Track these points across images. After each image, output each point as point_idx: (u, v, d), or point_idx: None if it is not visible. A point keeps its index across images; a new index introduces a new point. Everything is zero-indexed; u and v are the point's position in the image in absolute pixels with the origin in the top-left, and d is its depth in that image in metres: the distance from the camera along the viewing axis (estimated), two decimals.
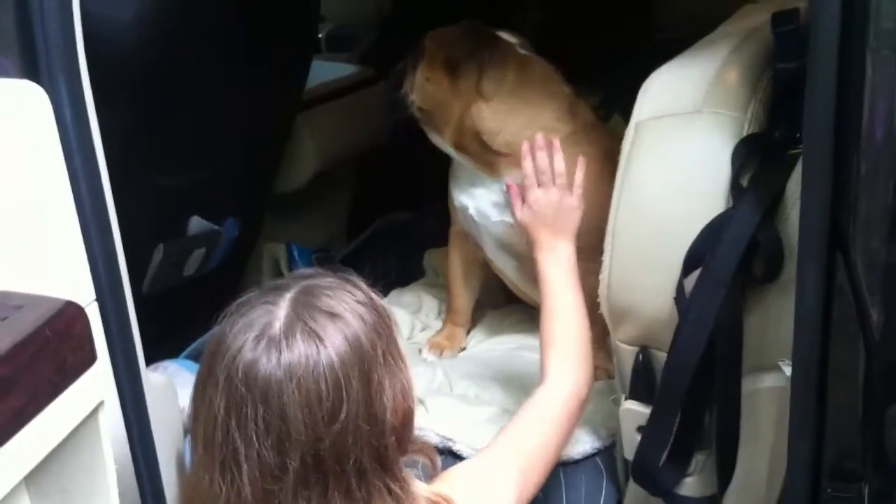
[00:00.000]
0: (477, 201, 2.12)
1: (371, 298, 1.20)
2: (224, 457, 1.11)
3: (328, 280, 1.20)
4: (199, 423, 1.15)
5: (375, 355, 1.14)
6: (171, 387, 1.70)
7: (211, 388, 1.13)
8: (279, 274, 2.60)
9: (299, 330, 1.11)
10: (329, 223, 2.91)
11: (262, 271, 2.60)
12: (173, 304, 2.11)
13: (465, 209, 2.16)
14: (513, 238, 2.05)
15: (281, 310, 1.14)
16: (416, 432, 1.28)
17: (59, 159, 1.32)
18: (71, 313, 1.13)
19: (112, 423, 1.31)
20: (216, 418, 1.11)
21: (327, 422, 1.10)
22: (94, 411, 1.16)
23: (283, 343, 1.10)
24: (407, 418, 1.20)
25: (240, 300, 1.19)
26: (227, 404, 1.11)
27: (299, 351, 1.10)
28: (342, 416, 1.10)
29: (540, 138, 1.83)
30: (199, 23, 1.88)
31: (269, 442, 1.10)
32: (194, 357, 2.05)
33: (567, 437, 1.49)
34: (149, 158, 1.88)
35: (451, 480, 1.33)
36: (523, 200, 1.79)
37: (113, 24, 1.69)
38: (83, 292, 1.33)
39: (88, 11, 1.37)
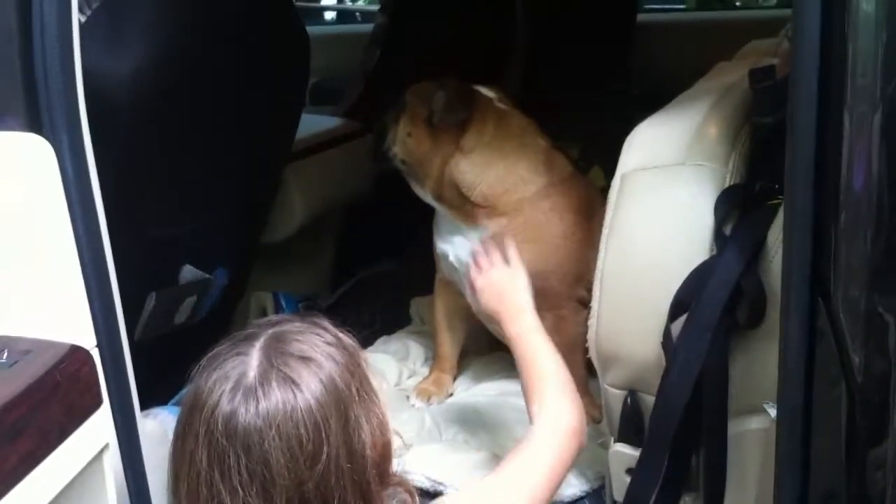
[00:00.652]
0: (456, 249, 2.17)
1: (339, 338, 1.22)
2: None
3: (296, 325, 1.22)
4: (182, 479, 1.16)
5: (350, 394, 1.16)
6: (164, 434, 1.72)
7: (191, 443, 1.14)
8: None
9: (274, 377, 1.13)
10: (314, 272, 2.93)
11: (250, 320, 2.62)
12: (163, 351, 2.12)
13: (445, 256, 2.20)
14: None
15: (254, 359, 1.15)
16: (406, 475, 1.31)
17: (62, 208, 1.35)
18: (79, 357, 1.16)
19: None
20: (199, 473, 1.12)
21: (310, 465, 1.12)
22: (100, 454, 1.18)
23: (260, 391, 1.12)
24: (385, 451, 1.22)
25: (211, 353, 1.20)
26: (209, 457, 1.12)
27: (276, 398, 1.12)
28: (323, 457, 1.12)
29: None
30: (193, 78, 1.92)
31: (254, 490, 1.11)
32: None
33: (565, 472, 1.44)
34: (142, 209, 1.91)
35: None
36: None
37: (110, 79, 1.73)
38: (85, 338, 1.36)
39: (86, 67, 1.41)
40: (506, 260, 1.74)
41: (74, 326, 1.34)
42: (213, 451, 1.12)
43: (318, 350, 1.17)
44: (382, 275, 3.01)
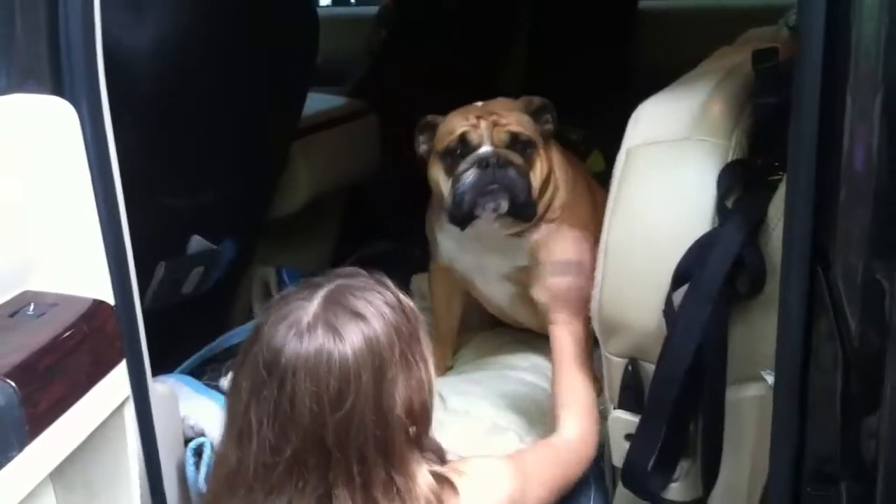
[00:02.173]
0: (489, 261, 2.12)
1: (399, 300, 1.29)
2: (241, 429, 1.22)
3: (361, 281, 1.29)
4: (232, 399, 1.26)
5: (392, 354, 1.22)
6: (174, 397, 1.76)
7: (243, 369, 1.23)
8: (269, 297, 2.65)
9: (321, 324, 1.20)
10: (317, 249, 2.96)
11: (253, 294, 2.65)
12: (171, 321, 2.16)
13: (465, 261, 2.17)
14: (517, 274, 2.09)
15: (312, 305, 1.23)
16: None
17: (84, 170, 1.38)
18: (104, 311, 1.20)
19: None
20: (241, 396, 1.22)
21: (332, 410, 1.18)
22: (122, 405, 1.22)
23: (306, 335, 1.20)
24: (423, 414, 1.27)
25: (283, 293, 1.29)
26: (251, 385, 1.21)
27: (317, 342, 1.19)
28: (347, 405, 1.18)
29: None
30: (209, 52, 1.95)
31: (276, 424, 1.19)
32: (191, 372, 2.11)
33: (569, 478, 1.61)
34: (155, 180, 1.94)
35: (464, 463, 1.42)
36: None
37: (130, 51, 1.76)
38: (105, 298, 1.39)
39: (109, 39, 1.44)
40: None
41: (94, 285, 1.38)
42: (255, 380, 1.21)
43: (372, 308, 1.24)
44: (384, 253, 3.04)
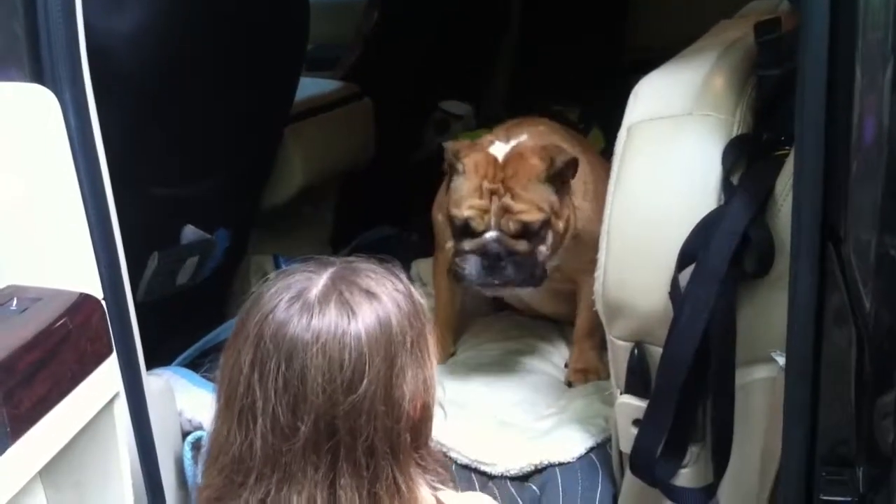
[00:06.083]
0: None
1: (411, 292, 1.22)
2: (242, 408, 1.14)
3: (373, 266, 1.22)
4: (226, 373, 1.18)
5: (403, 342, 1.16)
6: (169, 390, 1.72)
7: (241, 341, 1.16)
8: None
9: (334, 299, 1.14)
10: (314, 236, 2.92)
11: (250, 283, 2.61)
12: (166, 313, 2.13)
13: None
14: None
15: (321, 279, 1.16)
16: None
17: (67, 160, 1.34)
18: (89, 305, 1.16)
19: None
20: (242, 370, 1.14)
21: (344, 391, 1.12)
22: (111, 402, 1.18)
23: (316, 308, 1.13)
24: (425, 413, 1.21)
25: (287, 268, 1.23)
26: (253, 358, 1.14)
27: (330, 318, 1.12)
28: (361, 389, 1.12)
29: None
30: (195, 37, 1.91)
31: (286, 400, 1.12)
32: (188, 364, 2.07)
33: None
34: (145, 169, 1.90)
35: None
36: None
37: (112, 36, 1.72)
38: (92, 290, 1.35)
39: (89, 23, 1.40)
40: None
41: (81, 278, 1.34)
42: (258, 353, 1.14)
43: (385, 291, 1.18)
44: (382, 239, 3.01)
